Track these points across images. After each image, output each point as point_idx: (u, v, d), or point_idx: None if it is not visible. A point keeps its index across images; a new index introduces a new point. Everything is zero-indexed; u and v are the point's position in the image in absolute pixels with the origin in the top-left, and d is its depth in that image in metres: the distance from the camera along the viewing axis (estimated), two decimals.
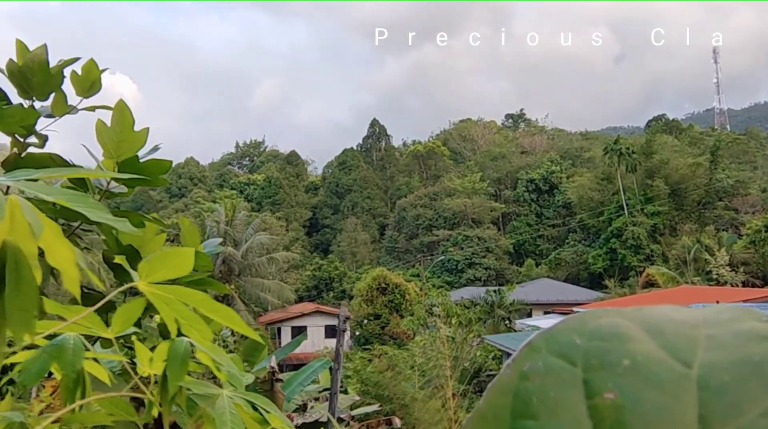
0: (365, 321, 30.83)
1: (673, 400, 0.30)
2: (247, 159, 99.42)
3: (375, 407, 9.12)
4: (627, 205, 55.12)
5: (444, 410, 11.60)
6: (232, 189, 76.74)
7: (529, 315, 36.31)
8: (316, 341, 32.51)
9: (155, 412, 1.04)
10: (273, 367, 4.88)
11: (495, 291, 32.04)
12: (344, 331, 6.52)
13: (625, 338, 0.34)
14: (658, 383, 0.31)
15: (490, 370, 17.65)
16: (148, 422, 1.09)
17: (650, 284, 38.59)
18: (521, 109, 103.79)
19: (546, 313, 34.96)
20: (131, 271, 0.91)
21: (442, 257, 61.49)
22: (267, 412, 1.09)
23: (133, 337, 1.19)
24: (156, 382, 1.07)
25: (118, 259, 0.99)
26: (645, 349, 0.33)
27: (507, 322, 30.33)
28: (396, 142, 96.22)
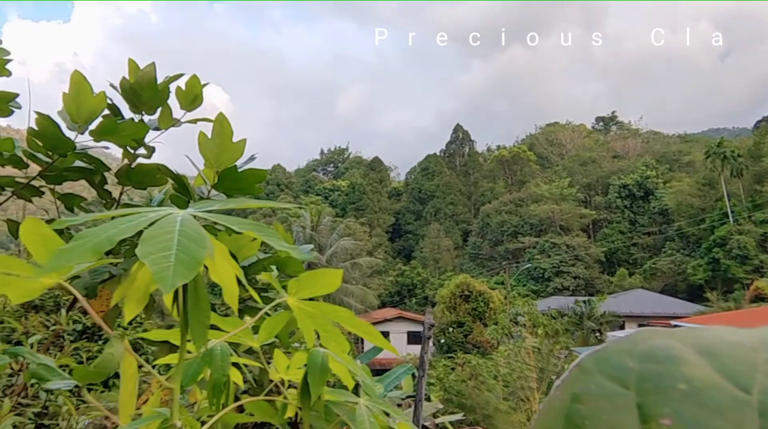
0: (450, 328, 30.58)
1: (734, 427, 0.29)
2: (331, 165, 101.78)
3: (458, 416, 9.00)
4: (732, 212, 51.27)
5: (529, 423, 11.26)
6: (317, 195, 78.87)
7: (622, 327, 34.51)
8: (398, 347, 32.57)
9: (290, 414, 1.13)
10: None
11: (584, 301, 30.78)
12: (429, 338, 6.48)
13: (679, 361, 0.33)
14: (716, 409, 0.30)
15: None
16: (282, 424, 1.18)
17: (759, 298, 35.49)
18: (613, 112, 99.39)
19: (641, 325, 33.09)
20: (281, 289, 1.01)
21: (528, 265, 59.84)
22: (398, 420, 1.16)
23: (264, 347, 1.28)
24: (290, 388, 1.15)
25: (266, 277, 1.09)
26: (700, 374, 0.32)
27: (597, 334, 29.03)
28: (480, 148, 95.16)
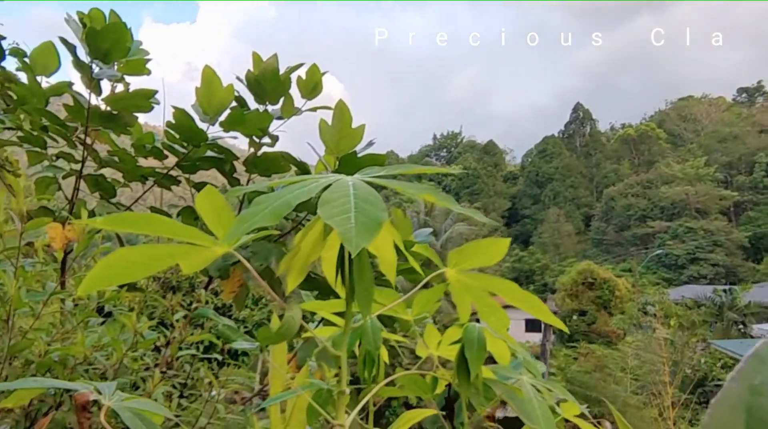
0: (574, 317, 29.42)
1: None
2: (444, 150, 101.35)
3: (583, 408, 8.63)
4: None
5: (661, 420, 10.54)
6: (430, 180, 78.98)
7: None
8: (515, 334, 31.95)
9: (439, 390, 1.11)
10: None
11: (725, 291, 28.14)
12: (550, 326, 6.27)
13: None
14: None
15: (719, 380, 15.55)
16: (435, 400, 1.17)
17: None
18: (759, 81, 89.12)
19: None
20: (439, 261, 0.98)
21: (659, 251, 55.75)
22: (564, 400, 1.12)
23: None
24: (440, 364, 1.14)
25: (422, 249, 1.08)
26: None
27: (741, 326, 26.47)
28: (602, 127, 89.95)
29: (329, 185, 0.71)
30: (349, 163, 2.48)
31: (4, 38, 3.07)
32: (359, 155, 2.48)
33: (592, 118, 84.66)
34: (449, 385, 1.16)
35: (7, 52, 3.11)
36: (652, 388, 11.43)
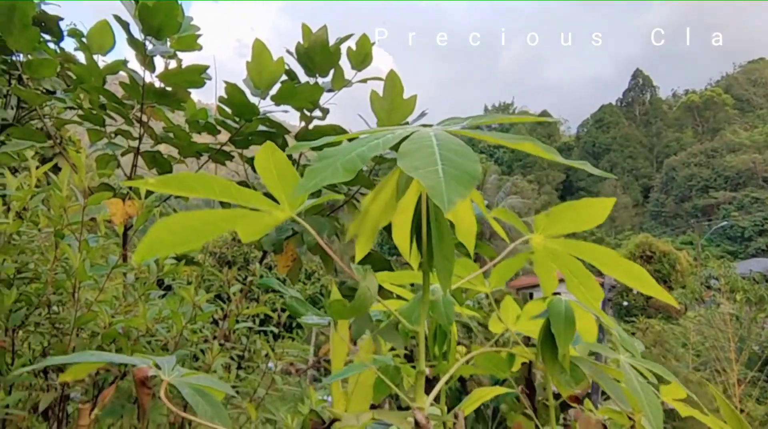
0: (634, 291, 28.63)
1: None
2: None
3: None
4: None
5: (726, 397, 10.17)
6: (482, 153, 77.71)
7: None
8: None
9: (515, 369, 1.05)
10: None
11: None
12: (609, 300, 6.10)
13: None
14: None
15: None
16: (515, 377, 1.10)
17: None
18: None
19: None
20: (524, 228, 0.89)
21: (724, 223, 53.28)
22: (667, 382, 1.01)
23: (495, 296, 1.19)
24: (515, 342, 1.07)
25: (501, 213, 0.97)
26: None
27: None
28: (663, 94, 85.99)
29: (407, 136, 0.63)
30: None
31: (61, 19, 3.15)
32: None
33: (653, 85, 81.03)
34: (529, 364, 1.09)
35: (65, 33, 3.19)
36: (716, 364, 11.03)
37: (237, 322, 1.75)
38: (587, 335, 1.04)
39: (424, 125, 0.70)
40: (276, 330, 2.02)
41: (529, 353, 1.03)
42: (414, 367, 0.95)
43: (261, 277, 2.02)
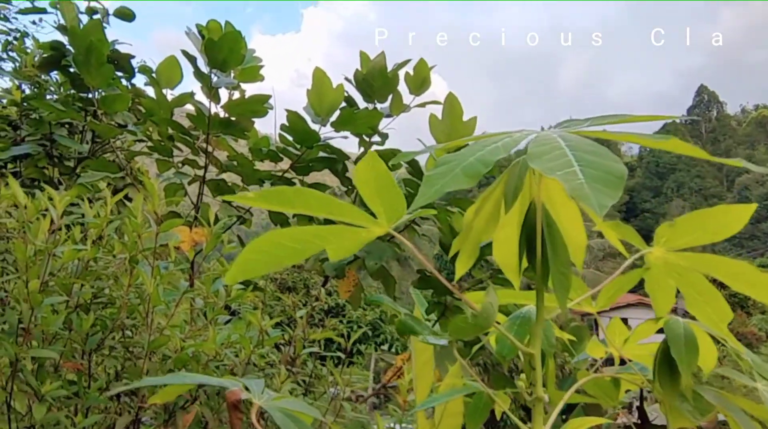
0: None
1: None
2: None
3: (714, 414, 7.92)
4: None
5: None
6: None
7: None
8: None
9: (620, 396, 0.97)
10: (596, 361, 4.61)
11: None
12: None
13: None
14: None
15: None
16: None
17: None
18: None
19: None
20: (640, 242, 0.83)
21: None
22: None
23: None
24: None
25: (609, 229, 0.91)
26: None
27: None
28: (731, 110, 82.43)
29: (530, 138, 0.59)
30: None
31: (133, 57, 3.33)
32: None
33: (719, 101, 77.97)
34: (641, 392, 0.99)
35: (136, 70, 3.37)
36: None
37: (304, 347, 1.75)
38: (708, 360, 0.93)
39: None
40: (342, 355, 2.01)
41: (639, 379, 0.94)
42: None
43: (324, 302, 2.02)
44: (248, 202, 0.62)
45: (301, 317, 1.76)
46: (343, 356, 2.01)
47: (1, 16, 3.75)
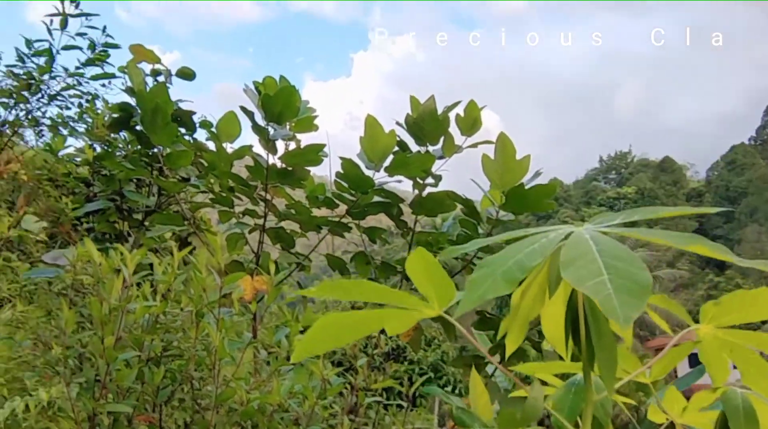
0: None
1: None
2: (613, 172, 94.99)
3: None
4: None
5: None
6: (601, 205, 74.20)
7: None
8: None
9: None
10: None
11: None
12: None
13: None
14: None
15: None
16: None
17: None
18: None
19: None
20: (687, 317, 0.85)
21: None
22: None
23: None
24: None
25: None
26: None
27: None
28: None
29: (564, 239, 0.62)
30: (516, 197, 2.39)
31: (194, 113, 3.51)
32: (527, 187, 2.38)
33: None
34: None
35: (197, 125, 3.55)
36: None
37: (366, 395, 1.75)
38: None
39: (574, 220, 0.68)
40: (404, 404, 1.98)
41: None
42: None
43: (385, 345, 2.01)
44: (312, 294, 0.69)
45: (361, 366, 1.76)
46: (405, 404, 1.99)
47: (75, 81, 4.04)
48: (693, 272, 57.20)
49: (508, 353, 0.80)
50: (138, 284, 1.44)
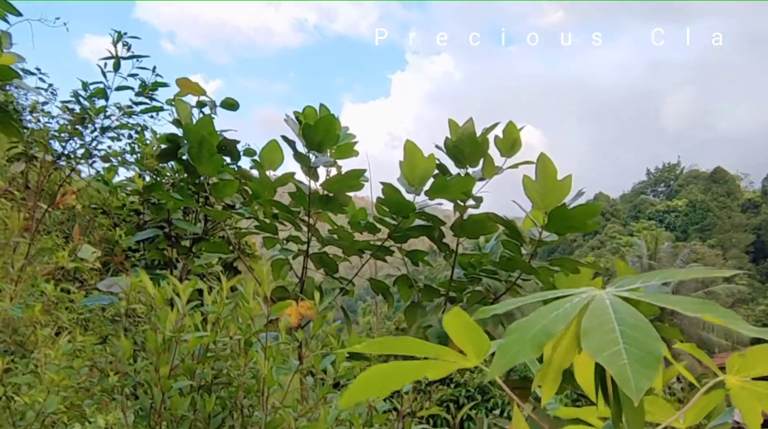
0: None
1: None
2: (662, 185, 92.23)
3: None
4: None
5: None
6: (650, 219, 72.01)
7: None
8: None
9: None
10: (738, 423, 4.15)
11: None
12: None
13: None
14: None
15: None
16: None
17: None
18: None
19: None
20: (715, 367, 0.87)
21: None
22: None
23: None
24: None
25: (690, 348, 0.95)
26: None
27: None
28: None
29: (586, 306, 0.66)
30: (559, 217, 2.37)
31: (238, 142, 3.62)
32: (570, 207, 2.35)
33: None
34: None
35: (241, 153, 3.67)
36: None
37: (412, 421, 1.74)
38: None
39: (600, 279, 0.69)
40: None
41: None
42: None
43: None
44: (358, 350, 0.75)
45: (407, 392, 1.76)
46: None
47: (126, 116, 4.23)
48: (752, 287, 54.63)
49: (544, 401, 0.82)
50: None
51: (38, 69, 4.38)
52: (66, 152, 4.29)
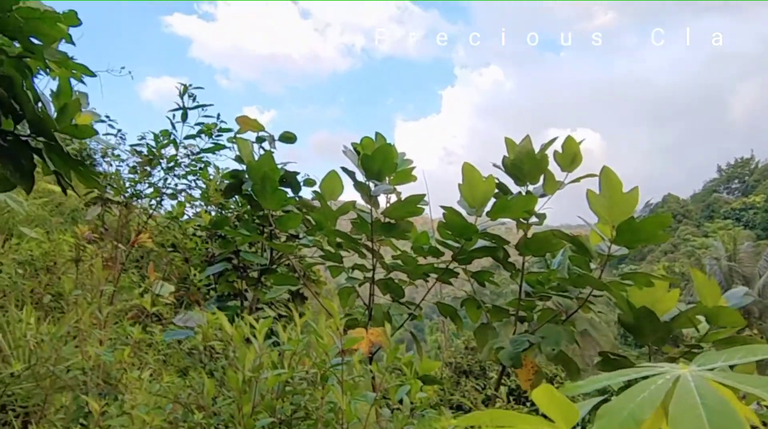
0: None
1: None
2: (736, 181, 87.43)
3: None
4: None
5: None
6: (726, 218, 68.28)
7: None
8: None
9: None
10: None
11: None
12: None
13: None
14: None
15: None
16: None
17: None
18: None
19: None
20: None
21: None
22: None
23: None
24: None
25: None
26: None
27: None
28: None
29: (672, 387, 0.68)
30: (627, 230, 2.30)
31: (298, 173, 3.73)
32: (638, 219, 2.28)
33: None
34: None
35: (302, 184, 3.77)
36: None
37: None
38: None
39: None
40: None
41: None
42: None
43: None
44: (446, 424, 0.78)
45: (474, 406, 1.74)
46: None
47: (194, 158, 4.45)
48: None
49: None
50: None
51: (107, 116, 4.68)
52: (137, 191, 4.55)
